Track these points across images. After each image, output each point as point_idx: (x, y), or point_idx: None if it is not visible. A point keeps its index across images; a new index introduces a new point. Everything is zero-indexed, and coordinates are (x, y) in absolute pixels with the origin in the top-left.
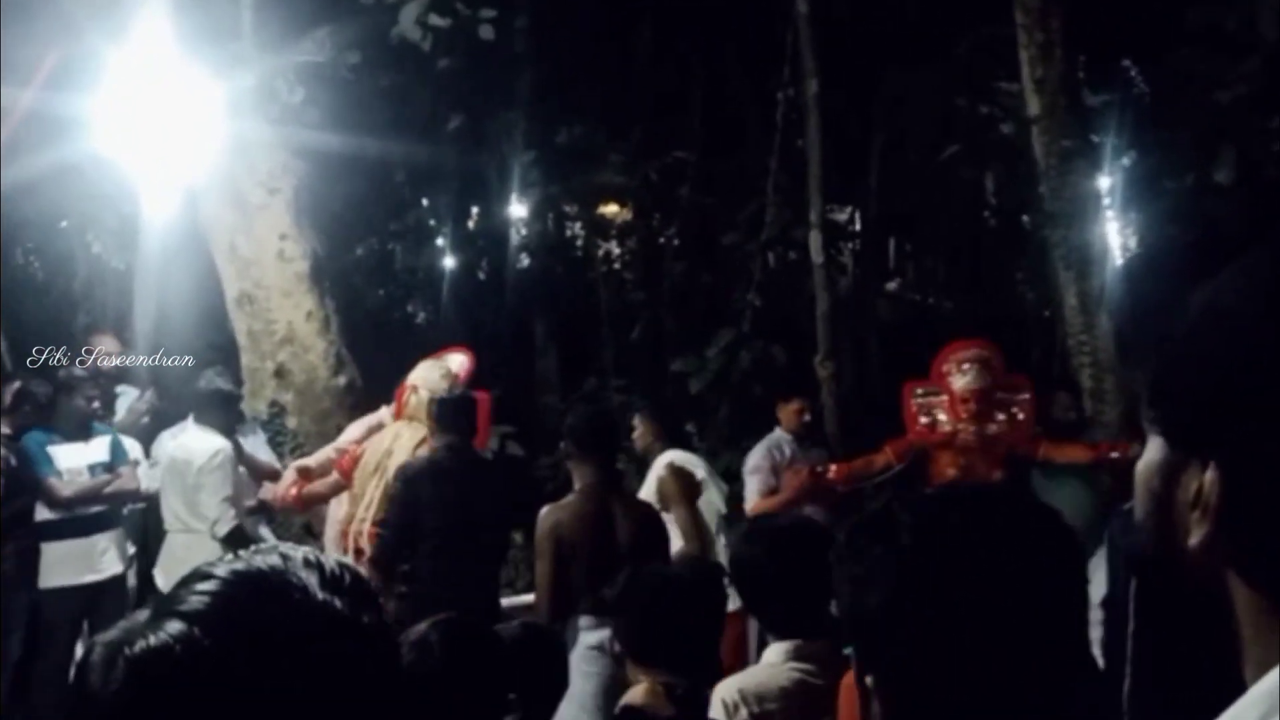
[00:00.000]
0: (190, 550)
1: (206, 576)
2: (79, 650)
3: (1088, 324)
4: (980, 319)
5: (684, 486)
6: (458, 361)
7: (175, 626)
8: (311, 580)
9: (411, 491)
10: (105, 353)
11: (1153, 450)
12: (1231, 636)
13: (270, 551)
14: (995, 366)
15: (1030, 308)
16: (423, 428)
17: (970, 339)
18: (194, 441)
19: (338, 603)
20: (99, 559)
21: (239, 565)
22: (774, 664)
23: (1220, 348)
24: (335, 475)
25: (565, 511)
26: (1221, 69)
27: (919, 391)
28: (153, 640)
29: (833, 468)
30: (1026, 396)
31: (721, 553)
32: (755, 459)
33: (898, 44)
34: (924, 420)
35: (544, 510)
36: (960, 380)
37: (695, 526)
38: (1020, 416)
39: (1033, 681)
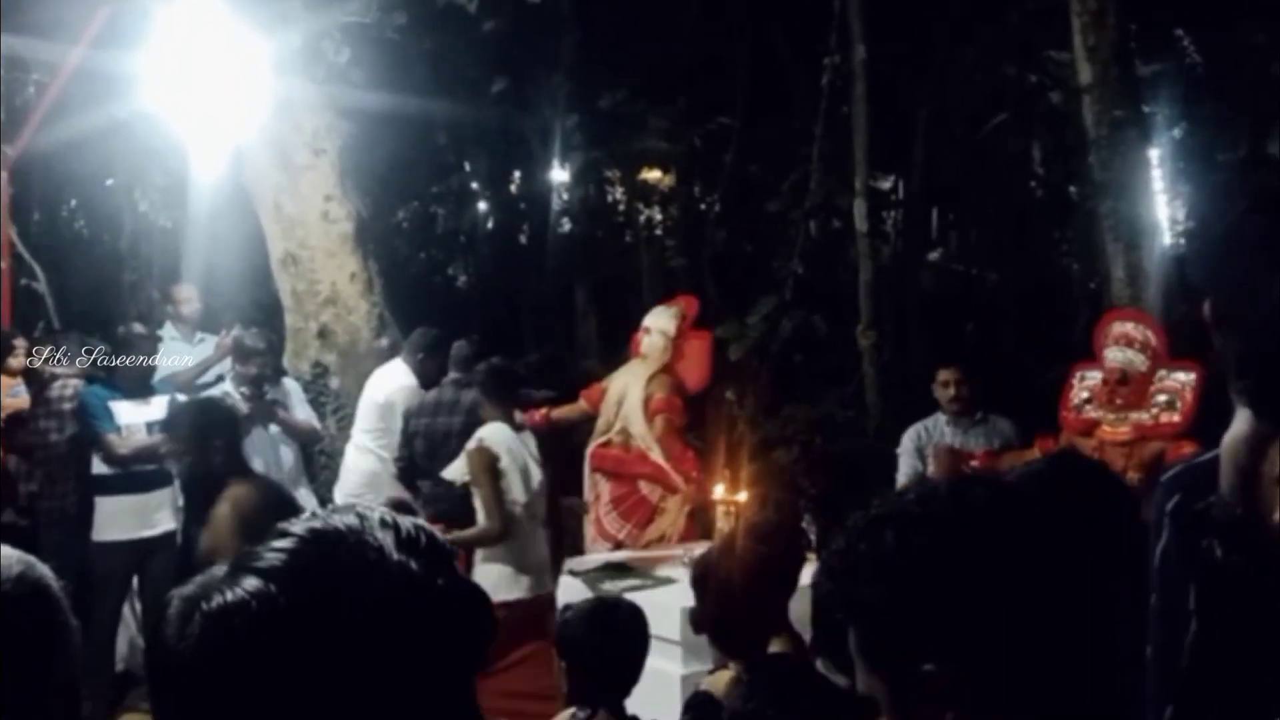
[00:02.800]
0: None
1: (284, 534)
2: (126, 605)
3: (1135, 296)
4: (1025, 290)
5: (487, 463)
6: (684, 304)
7: (252, 583)
8: (388, 540)
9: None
10: (187, 299)
11: (1240, 423)
12: None
13: (347, 511)
14: (1155, 347)
15: (1076, 279)
16: (653, 364)
17: (1128, 309)
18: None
19: (413, 564)
20: (152, 515)
21: (316, 524)
22: None
23: None
24: (583, 403)
25: (245, 487)
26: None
27: (1079, 374)
28: (229, 596)
29: (974, 461)
30: (1188, 388)
31: (534, 537)
32: (904, 440)
33: (947, 11)
34: (1072, 404)
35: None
36: (1109, 356)
37: (496, 505)
38: (1176, 409)
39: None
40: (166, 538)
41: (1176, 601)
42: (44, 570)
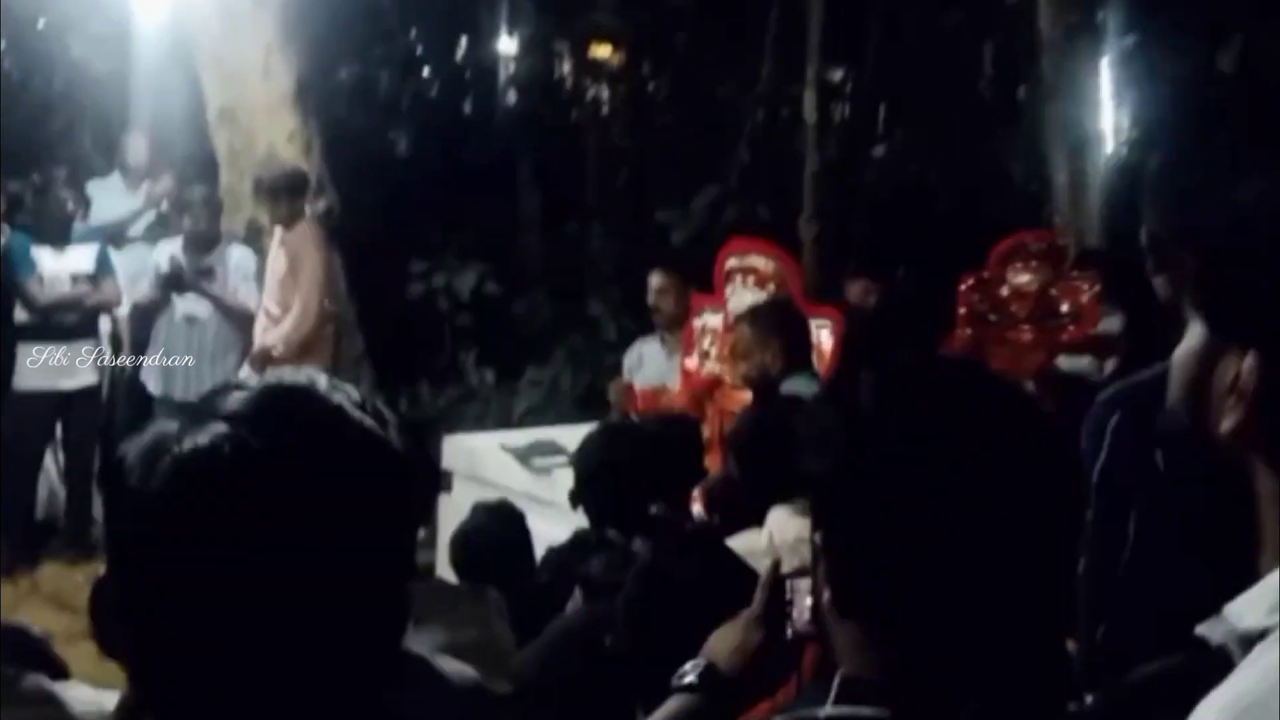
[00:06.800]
0: None
1: (240, 387)
2: (49, 455)
3: (1076, 201)
4: (965, 189)
5: None
6: None
7: (221, 428)
8: (343, 399)
9: None
10: (135, 148)
11: (1192, 337)
12: (1252, 523)
13: (296, 373)
14: (790, 286)
15: (1017, 181)
16: None
17: (755, 238)
18: None
19: (368, 421)
20: (74, 366)
21: (269, 379)
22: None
23: (1272, 238)
24: None
25: None
26: None
27: (699, 314)
28: (201, 440)
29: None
30: (824, 341)
31: None
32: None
33: None
34: (694, 350)
35: None
36: (732, 298)
37: None
38: None
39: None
40: (90, 391)
41: (1115, 519)
42: None
